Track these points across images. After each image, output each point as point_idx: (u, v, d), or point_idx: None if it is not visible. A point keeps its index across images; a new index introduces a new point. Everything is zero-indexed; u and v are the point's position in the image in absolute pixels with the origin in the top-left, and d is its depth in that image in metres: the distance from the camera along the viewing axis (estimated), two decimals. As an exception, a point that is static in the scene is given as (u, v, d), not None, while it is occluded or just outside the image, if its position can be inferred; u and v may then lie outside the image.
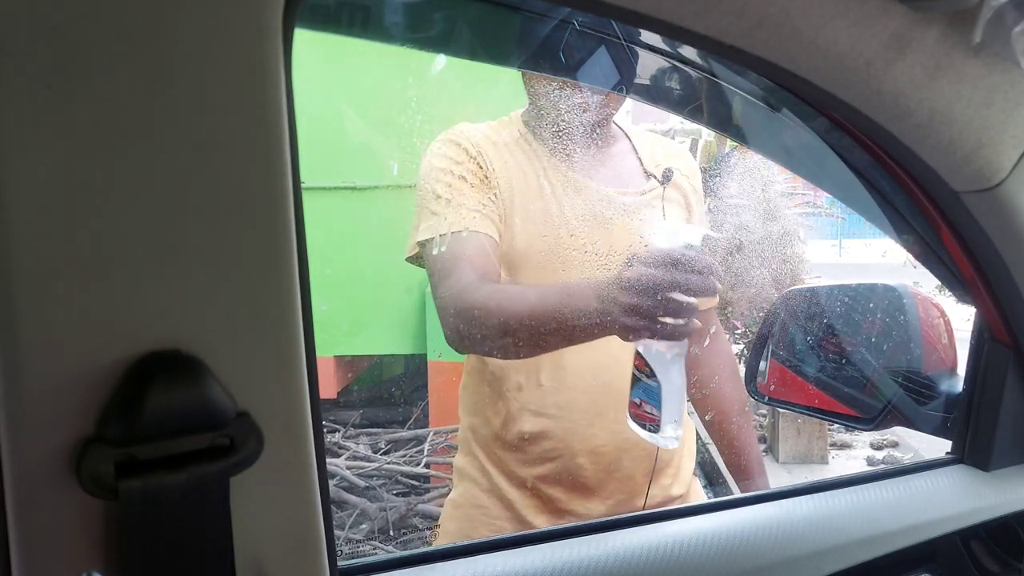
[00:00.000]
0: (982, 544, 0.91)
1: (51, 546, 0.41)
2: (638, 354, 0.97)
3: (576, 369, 1.17)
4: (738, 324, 3.93)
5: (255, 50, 0.41)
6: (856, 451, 4.80)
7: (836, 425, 4.03)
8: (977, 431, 0.91)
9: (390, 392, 4.59)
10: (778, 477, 4.23)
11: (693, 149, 4.24)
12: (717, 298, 1.41)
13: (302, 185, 0.46)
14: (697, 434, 1.63)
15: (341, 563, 0.55)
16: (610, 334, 0.97)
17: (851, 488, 0.83)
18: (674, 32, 0.58)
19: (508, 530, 1.20)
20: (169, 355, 0.41)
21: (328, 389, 3.81)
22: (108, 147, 0.39)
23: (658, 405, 0.95)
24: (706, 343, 1.43)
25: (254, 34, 0.41)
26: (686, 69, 0.95)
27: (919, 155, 0.72)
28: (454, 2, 0.87)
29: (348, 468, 3.54)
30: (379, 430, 4.03)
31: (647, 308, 0.91)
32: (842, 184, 0.90)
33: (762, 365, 1.21)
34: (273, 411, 0.45)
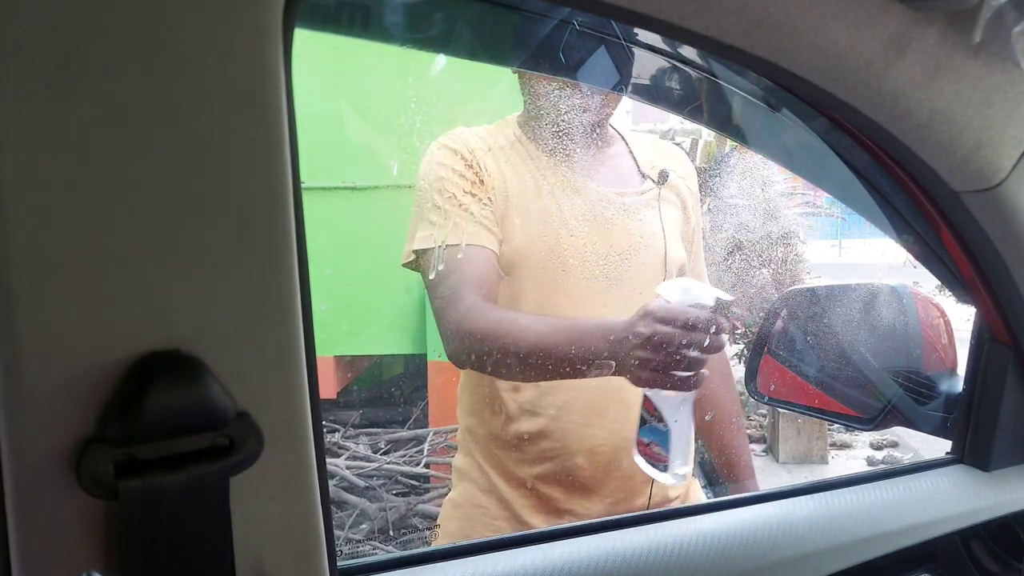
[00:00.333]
0: (982, 544, 0.91)
1: (51, 546, 0.41)
2: (647, 398, 1.00)
3: None
4: (738, 324, 3.93)
5: (255, 50, 0.41)
6: (856, 451, 4.80)
7: (836, 425, 4.04)
8: (977, 431, 0.91)
9: (390, 392, 4.59)
10: (778, 477, 4.24)
11: (693, 149, 4.24)
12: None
13: (302, 185, 0.46)
14: (697, 435, 1.63)
15: (341, 563, 0.55)
16: (620, 376, 1.00)
17: (851, 488, 0.83)
18: (674, 32, 0.58)
19: (507, 530, 1.20)
20: (169, 355, 0.41)
21: (328, 389, 3.81)
22: (108, 147, 0.39)
23: (667, 447, 0.98)
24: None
25: (254, 34, 0.41)
26: (686, 69, 0.95)
27: (919, 155, 0.72)
28: (454, 2, 0.87)
29: (348, 468, 3.54)
30: (379, 430, 4.03)
31: (658, 362, 0.94)
32: (842, 184, 0.90)
33: (762, 365, 1.21)
34: (273, 411, 0.45)
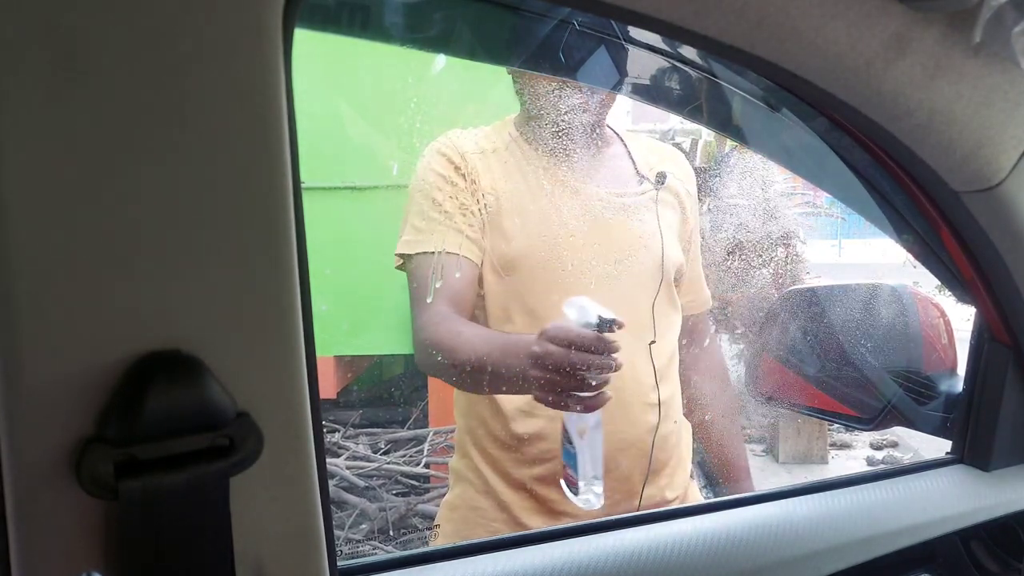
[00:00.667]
0: (982, 544, 0.91)
1: (51, 546, 0.41)
2: (563, 421, 1.01)
3: None
4: (738, 324, 3.93)
5: (255, 50, 0.41)
6: (856, 451, 4.80)
7: (836, 425, 4.04)
8: (977, 431, 0.91)
9: (390, 392, 4.59)
10: (778, 477, 4.24)
11: (693, 149, 4.24)
12: (710, 303, 1.42)
13: (302, 185, 0.46)
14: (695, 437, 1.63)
15: (341, 563, 0.55)
16: (528, 394, 1.01)
17: (851, 488, 0.83)
18: (674, 32, 0.58)
19: (504, 531, 1.20)
20: (169, 355, 0.41)
21: (328, 389, 3.81)
22: (108, 147, 0.39)
23: (575, 469, 0.99)
24: (705, 343, 1.43)
25: (254, 34, 0.41)
26: (686, 69, 0.95)
27: (919, 155, 0.72)
28: (454, 2, 0.87)
29: (348, 468, 3.54)
30: (379, 430, 4.03)
31: (554, 382, 0.94)
32: (842, 184, 0.90)
33: (762, 365, 1.21)
34: (273, 411, 0.45)
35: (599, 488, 1.00)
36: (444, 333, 1.12)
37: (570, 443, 0.99)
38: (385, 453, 3.82)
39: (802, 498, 0.80)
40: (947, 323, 1.00)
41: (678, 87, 0.99)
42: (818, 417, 2.08)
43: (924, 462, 0.93)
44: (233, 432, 0.43)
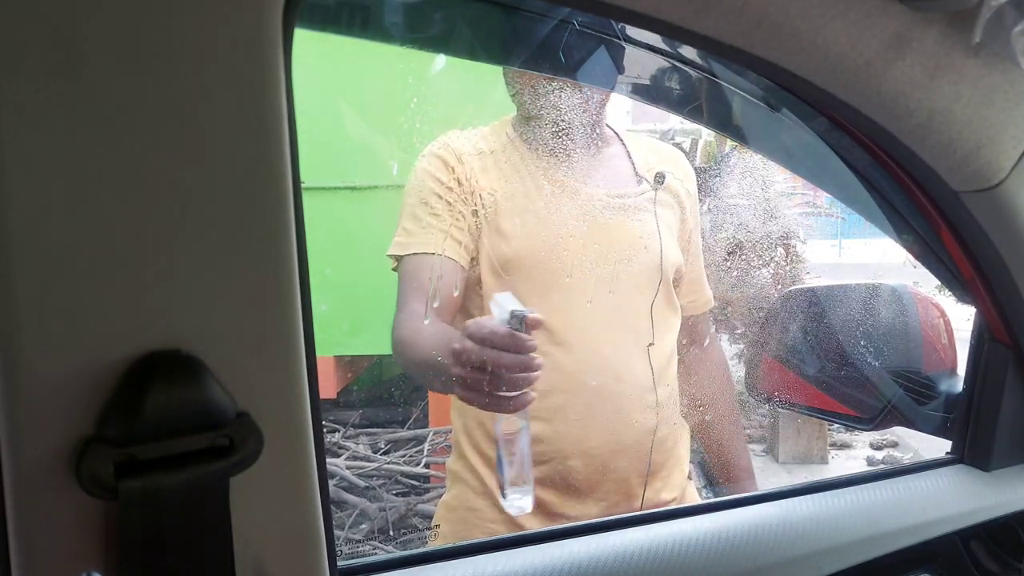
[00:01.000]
0: (982, 544, 0.91)
1: (51, 546, 0.41)
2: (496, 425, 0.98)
3: (568, 372, 1.16)
4: (738, 324, 3.93)
5: (255, 50, 0.41)
6: (856, 451, 4.80)
7: (836, 425, 4.04)
8: (977, 431, 0.91)
9: (390, 392, 4.59)
10: (778, 477, 4.24)
11: (693, 149, 4.24)
12: (711, 303, 1.42)
13: (302, 185, 0.46)
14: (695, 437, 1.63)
15: (341, 563, 0.55)
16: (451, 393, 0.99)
17: (851, 488, 0.83)
18: (674, 32, 0.58)
19: (501, 533, 1.20)
20: (169, 355, 0.41)
21: (328, 389, 3.81)
22: (108, 147, 0.39)
23: (502, 473, 0.95)
24: (706, 343, 1.43)
25: (254, 34, 0.41)
26: (686, 69, 0.95)
27: (919, 155, 0.72)
28: (454, 2, 0.87)
29: (348, 468, 3.54)
30: (379, 430, 4.03)
31: (471, 380, 0.91)
32: (842, 184, 0.90)
33: (763, 365, 1.21)
34: (273, 411, 0.45)
35: (527, 494, 0.96)
36: (407, 331, 1.12)
37: (498, 446, 0.95)
38: (385, 453, 3.82)
39: (802, 498, 0.80)
40: (947, 323, 1.00)
41: (678, 87, 0.99)
42: (818, 417, 2.09)
43: (924, 462, 0.93)
44: (233, 432, 0.43)
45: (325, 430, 2.92)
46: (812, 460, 4.44)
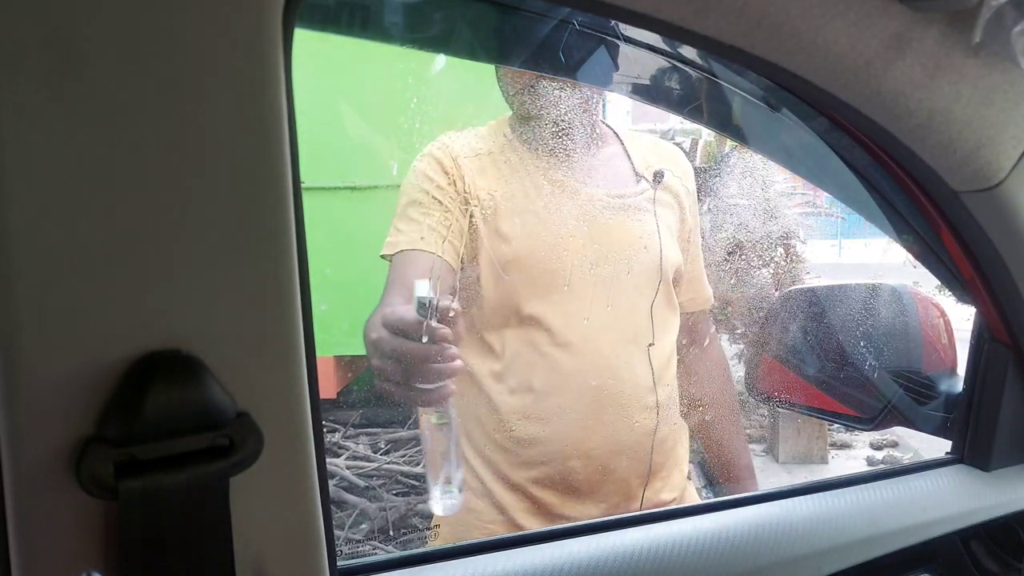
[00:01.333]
0: (982, 544, 0.91)
1: (51, 546, 0.41)
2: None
3: (568, 372, 1.16)
4: (738, 324, 3.93)
5: (255, 50, 0.41)
6: (856, 451, 4.80)
7: (836, 425, 4.04)
8: (977, 431, 0.91)
9: (390, 392, 4.58)
10: (778, 477, 4.23)
11: (693, 149, 4.24)
12: (711, 301, 1.42)
13: (302, 185, 0.46)
14: (695, 437, 1.63)
15: (341, 563, 0.55)
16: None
17: (851, 488, 0.83)
18: (674, 32, 0.58)
19: (501, 533, 1.19)
20: (169, 355, 0.41)
21: (328, 389, 3.80)
22: (108, 147, 0.39)
23: (426, 469, 0.91)
24: (706, 342, 1.43)
25: (254, 34, 0.41)
26: (686, 69, 0.95)
27: (919, 155, 0.72)
28: (454, 2, 0.87)
29: (348, 468, 3.54)
30: (379, 430, 4.03)
31: (389, 371, 0.88)
32: (842, 184, 0.90)
33: (762, 365, 1.21)
34: (273, 411, 0.45)
35: (454, 491, 0.93)
36: (370, 324, 1.07)
37: (424, 443, 0.92)
38: (385, 453, 3.82)
39: (802, 498, 0.80)
40: (947, 323, 1.00)
41: (678, 87, 0.99)
42: (818, 417, 2.09)
43: (924, 462, 0.93)
44: (233, 432, 0.43)
45: (325, 430, 2.92)
46: (812, 460, 4.44)
